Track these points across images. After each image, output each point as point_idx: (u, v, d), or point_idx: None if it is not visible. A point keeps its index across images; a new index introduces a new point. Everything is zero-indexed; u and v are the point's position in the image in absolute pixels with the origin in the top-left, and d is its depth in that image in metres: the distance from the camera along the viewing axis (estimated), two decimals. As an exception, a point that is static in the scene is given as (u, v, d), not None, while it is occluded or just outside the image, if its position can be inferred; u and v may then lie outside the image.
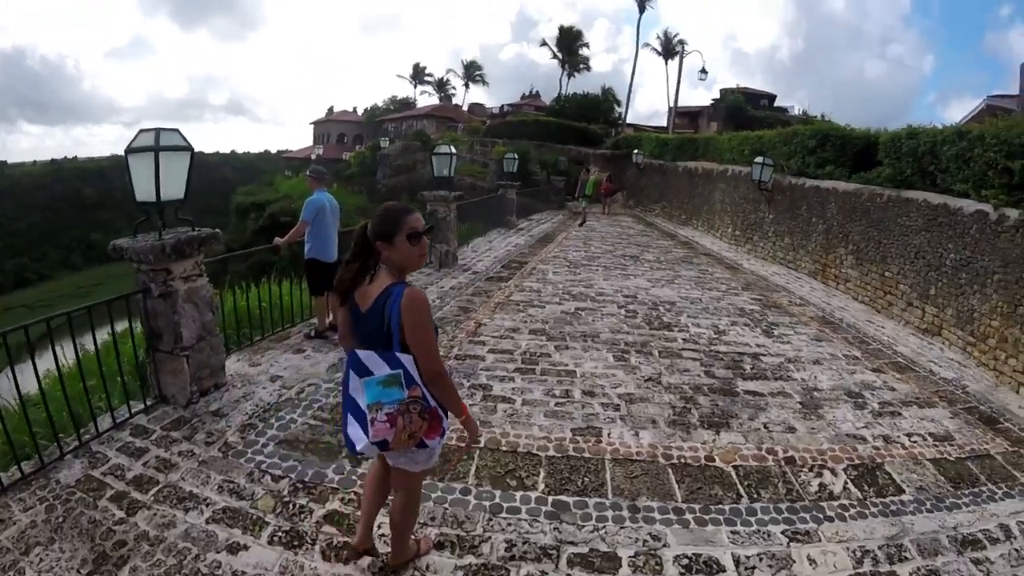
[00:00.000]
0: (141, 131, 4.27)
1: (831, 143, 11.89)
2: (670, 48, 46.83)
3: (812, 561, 3.29)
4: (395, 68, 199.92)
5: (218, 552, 3.05)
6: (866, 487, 4.08)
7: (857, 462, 4.41)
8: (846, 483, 4.11)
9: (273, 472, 3.78)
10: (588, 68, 54.90)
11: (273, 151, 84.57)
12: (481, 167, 32.39)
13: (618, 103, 45.22)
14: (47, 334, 4.00)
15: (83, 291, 42.31)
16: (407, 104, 69.18)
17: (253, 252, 8.59)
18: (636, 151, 26.44)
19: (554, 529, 3.42)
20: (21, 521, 3.18)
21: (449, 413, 2.53)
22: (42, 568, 2.87)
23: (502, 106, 62.88)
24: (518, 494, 3.72)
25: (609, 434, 4.58)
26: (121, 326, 4.79)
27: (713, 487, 3.94)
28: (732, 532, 3.49)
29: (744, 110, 39.12)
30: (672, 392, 5.47)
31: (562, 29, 53.51)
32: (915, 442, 4.80)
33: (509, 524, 3.43)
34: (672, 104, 40.32)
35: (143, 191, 4.25)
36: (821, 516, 3.69)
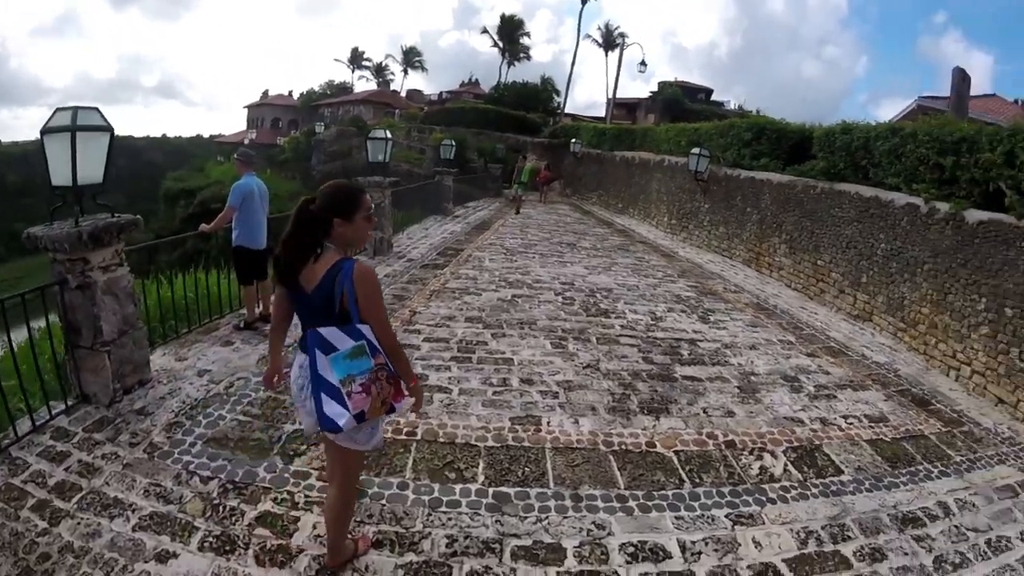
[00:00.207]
0: (58, 110, 3.91)
1: (767, 136, 12.15)
2: (611, 40, 47.33)
3: (757, 544, 3.25)
4: (333, 52, 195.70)
5: (146, 562, 2.80)
6: (806, 468, 4.10)
7: (796, 444, 4.43)
8: (786, 465, 4.11)
9: (201, 473, 3.50)
10: (529, 57, 54.90)
11: (206, 136, 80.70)
12: (418, 154, 31.82)
13: (557, 93, 45.30)
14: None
15: (7, 284, 39.50)
16: (344, 89, 67.43)
17: (184, 239, 8.06)
18: (574, 140, 26.46)
19: (496, 522, 3.26)
20: (-66, 537, 2.81)
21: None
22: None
23: (441, 93, 62.20)
24: (457, 487, 3.56)
25: (549, 422, 4.44)
26: (40, 322, 4.35)
27: (655, 473, 3.86)
28: (676, 518, 3.42)
29: (681, 103, 39.74)
30: (611, 379, 5.38)
31: (504, 17, 53.19)
32: (851, 424, 4.88)
33: (449, 518, 3.27)
34: (611, 95, 40.58)
35: (59, 175, 3.88)
36: (764, 499, 3.68)
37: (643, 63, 31.41)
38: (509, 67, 53.11)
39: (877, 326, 7.79)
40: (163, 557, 2.82)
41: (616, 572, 2.95)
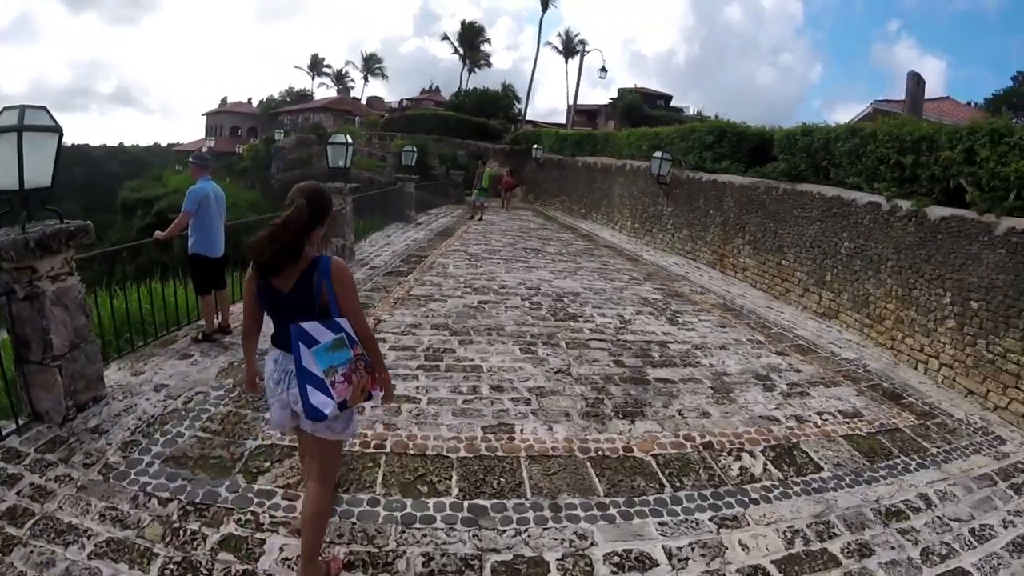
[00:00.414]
0: (4, 109, 3.63)
1: (728, 139, 12.28)
2: (571, 47, 47.53)
3: (744, 546, 3.17)
4: (292, 59, 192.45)
5: (106, 592, 2.54)
6: (785, 467, 4.06)
7: (773, 443, 4.39)
8: (765, 464, 4.06)
9: (160, 494, 3.25)
10: (489, 64, 54.90)
11: (163, 144, 78.59)
12: (379, 161, 31.47)
13: (518, 99, 45.36)
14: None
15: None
16: (304, 96, 66.49)
17: (140, 248, 7.66)
18: (536, 146, 26.45)
19: (473, 537, 3.09)
20: None
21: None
22: None
23: (401, 100, 61.71)
24: (431, 501, 3.37)
25: (522, 430, 4.28)
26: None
27: (635, 478, 3.74)
28: (660, 524, 3.31)
29: (641, 109, 40.26)
30: (583, 383, 5.26)
31: (464, 24, 53.14)
32: (826, 420, 4.87)
33: (424, 535, 3.08)
34: (572, 102, 40.85)
35: (4, 177, 3.60)
36: (746, 499, 3.62)
37: (603, 69, 31.44)
38: (470, 74, 53.12)
39: (843, 323, 7.86)
40: (121, 587, 2.58)
41: (602, 584, 2.82)
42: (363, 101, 64.01)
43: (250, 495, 3.30)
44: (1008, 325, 5.40)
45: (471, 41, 52.74)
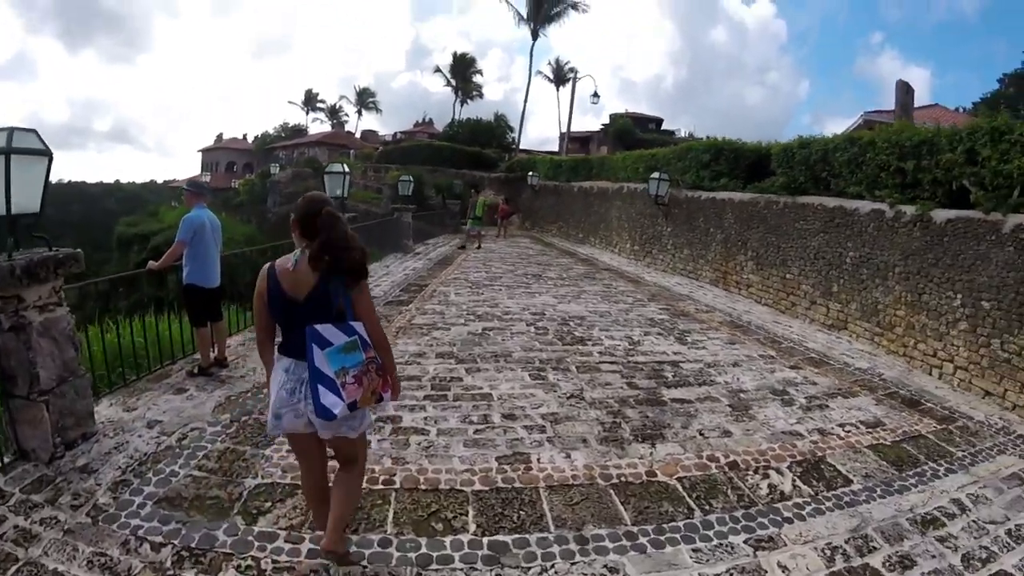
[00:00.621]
0: None
1: (724, 156, 12.26)
2: (562, 75, 48.07)
3: (784, 568, 3.01)
4: (287, 94, 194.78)
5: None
6: (815, 482, 3.92)
7: (799, 458, 4.24)
8: (794, 481, 3.92)
9: (152, 539, 3.03)
10: (481, 95, 55.44)
11: (160, 181, 79.12)
12: (375, 192, 31.54)
13: (511, 128, 45.72)
14: None
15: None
16: (299, 131, 67.21)
17: (138, 283, 7.51)
18: (531, 173, 26.55)
19: (496, 576, 2.88)
20: None
21: None
22: None
23: (395, 133, 62.34)
24: (447, 539, 3.16)
25: (539, 459, 4.09)
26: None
27: (662, 504, 3.56)
28: (693, 551, 3.13)
29: (633, 133, 40.48)
30: (598, 407, 5.09)
31: (456, 56, 53.79)
32: (849, 432, 4.74)
33: (442, 577, 2.86)
34: (565, 129, 41.08)
35: None
36: (779, 518, 3.46)
37: (595, 94, 31.88)
38: (462, 105, 53.59)
39: (853, 333, 7.73)
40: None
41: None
42: (357, 135, 64.72)
43: (250, 538, 3.08)
44: (1022, 323, 5.31)
45: (463, 72, 53.32)
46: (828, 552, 3.15)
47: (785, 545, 3.20)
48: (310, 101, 69.44)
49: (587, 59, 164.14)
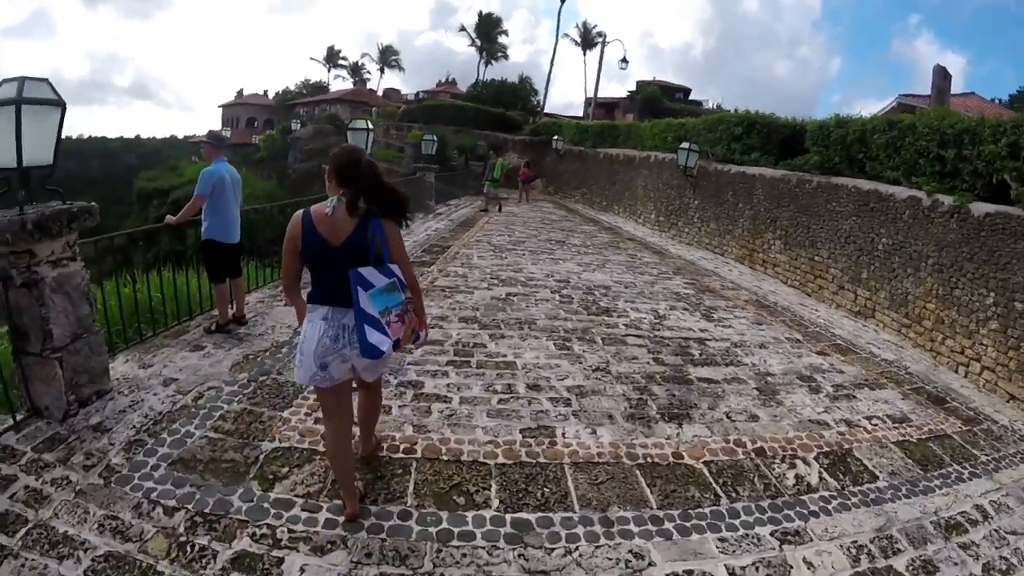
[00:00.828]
0: (3, 81, 3.38)
1: (757, 130, 11.93)
2: (589, 39, 47.06)
3: (809, 564, 2.96)
4: (308, 51, 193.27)
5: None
6: (841, 475, 3.85)
7: (826, 449, 4.16)
8: (821, 473, 3.84)
9: (166, 502, 2.96)
10: (506, 57, 54.62)
11: (180, 136, 79.31)
12: (397, 152, 31.20)
13: (536, 92, 44.99)
14: None
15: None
16: (320, 88, 66.44)
17: (158, 237, 7.50)
18: (556, 137, 26.09)
19: (519, 556, 2.83)
20: None
21: None
22: None
23: (418, 92, 61.51)
24: (469, 514, 3.10)
25: (564, 433, 4.04)
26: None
27: (688, 488, 3.51)
28: (719, 540, 3.08)
29: (660, 102, 39.57)
30: (624, 382, 5.03)
31: (481, 15, 52.86)
32: (876, 425, 4.64)
33: (464, 554, 2.82)
34: (591, 94, 40.36)
35: (2, 155, 3.36)
36: (806, 512, 3.40)
37: (624, 60, 31.12)
38: (487, 66, 52.79)
39: (880, 323, 7.57)
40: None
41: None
42: (379, 93, 63.85)
43: (266, 505, 3.01)
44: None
45: (488, 32, 52.39)
46: (854, 551, 3.09)
47: (811, 540, 3.14)
48: (332, 58, 68.52)
49: (615, 24, 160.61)
